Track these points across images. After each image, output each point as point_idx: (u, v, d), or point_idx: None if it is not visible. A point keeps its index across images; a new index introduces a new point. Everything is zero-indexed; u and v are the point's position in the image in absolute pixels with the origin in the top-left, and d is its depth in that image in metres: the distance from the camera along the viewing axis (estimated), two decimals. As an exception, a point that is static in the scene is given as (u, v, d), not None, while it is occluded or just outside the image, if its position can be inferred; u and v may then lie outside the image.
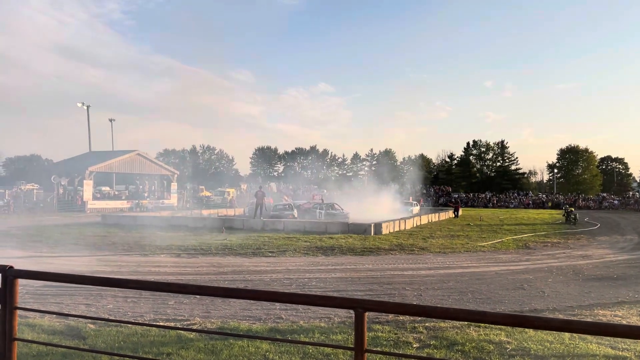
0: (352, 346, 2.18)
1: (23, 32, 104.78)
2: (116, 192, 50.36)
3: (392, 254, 15.46)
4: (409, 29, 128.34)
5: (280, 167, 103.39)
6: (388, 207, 37.94)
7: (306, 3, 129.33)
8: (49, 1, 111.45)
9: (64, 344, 5.86)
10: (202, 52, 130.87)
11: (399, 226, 24.79)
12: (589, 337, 6.34)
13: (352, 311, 2.21)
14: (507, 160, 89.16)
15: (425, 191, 68.22)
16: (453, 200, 57.26)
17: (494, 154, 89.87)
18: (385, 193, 43.05)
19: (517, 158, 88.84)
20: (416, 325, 7.05)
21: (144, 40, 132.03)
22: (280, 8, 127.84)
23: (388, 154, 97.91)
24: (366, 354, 2.16)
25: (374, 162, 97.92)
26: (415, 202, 46.10)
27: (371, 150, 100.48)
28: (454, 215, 37.62)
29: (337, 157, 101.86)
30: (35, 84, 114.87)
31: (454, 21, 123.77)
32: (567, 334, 6.42)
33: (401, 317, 7.28)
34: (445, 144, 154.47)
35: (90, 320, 6.97)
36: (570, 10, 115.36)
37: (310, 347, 5.93)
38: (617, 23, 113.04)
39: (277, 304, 8.16)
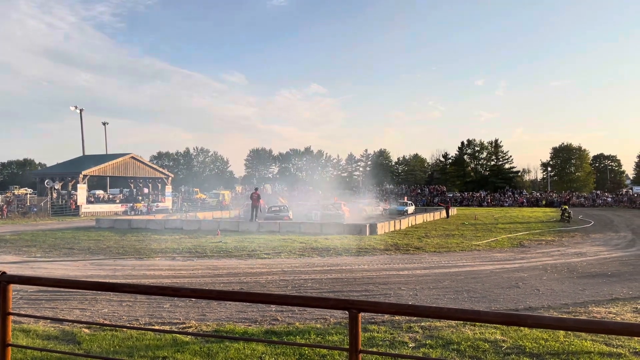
0: (346, 347, 2.19)
1: (13, 37, 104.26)
2: (110, 196, 50.10)
3: (387, 254, 15.48)
4: (399, 29, 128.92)
5: (275, 169, 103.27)
6: (374, 211, 38.08)
7: (296, 4, 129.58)
8: (38, 4, 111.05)
9: (58, 349, 5.82)
10: (193, 54, 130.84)
11: (394, 226, 24.83)
12: (583, 334, 6.38)
13: (347, 312, 2.21)
14: (501, 159, 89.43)
15: (420, 191, 68.32)
16: (443, 200, 57.07)
17: (488, 152, 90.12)
18: (373, 195, 43.06)
19: (511, 157, 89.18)
20: (412, 324, 7.07)
21: (134, 43, 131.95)
22: (270, 9, 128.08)
23: (382, 154, 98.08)
24: (361, 355, 2.16)
25: (369, 163, 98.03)
26: (410, 202, 46.28)
27: (366, 150, 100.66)
28: (445, 216, 37.43)
29: (332, 158, 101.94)
30: (27, 89, 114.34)
31: (444, 21, 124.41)
32: (561, 331, 6.46)
33: (397, 317, 7.29)
34: (439, 143, 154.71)
35: (85, 325, 6.94)
36: (561, 9, 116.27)
37: (306, 348, 5.93)
38: (610, 21, 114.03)
39: (273, 305, 8.15)
